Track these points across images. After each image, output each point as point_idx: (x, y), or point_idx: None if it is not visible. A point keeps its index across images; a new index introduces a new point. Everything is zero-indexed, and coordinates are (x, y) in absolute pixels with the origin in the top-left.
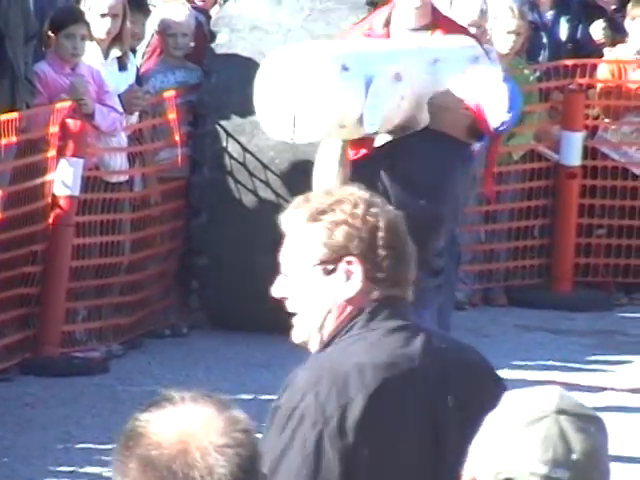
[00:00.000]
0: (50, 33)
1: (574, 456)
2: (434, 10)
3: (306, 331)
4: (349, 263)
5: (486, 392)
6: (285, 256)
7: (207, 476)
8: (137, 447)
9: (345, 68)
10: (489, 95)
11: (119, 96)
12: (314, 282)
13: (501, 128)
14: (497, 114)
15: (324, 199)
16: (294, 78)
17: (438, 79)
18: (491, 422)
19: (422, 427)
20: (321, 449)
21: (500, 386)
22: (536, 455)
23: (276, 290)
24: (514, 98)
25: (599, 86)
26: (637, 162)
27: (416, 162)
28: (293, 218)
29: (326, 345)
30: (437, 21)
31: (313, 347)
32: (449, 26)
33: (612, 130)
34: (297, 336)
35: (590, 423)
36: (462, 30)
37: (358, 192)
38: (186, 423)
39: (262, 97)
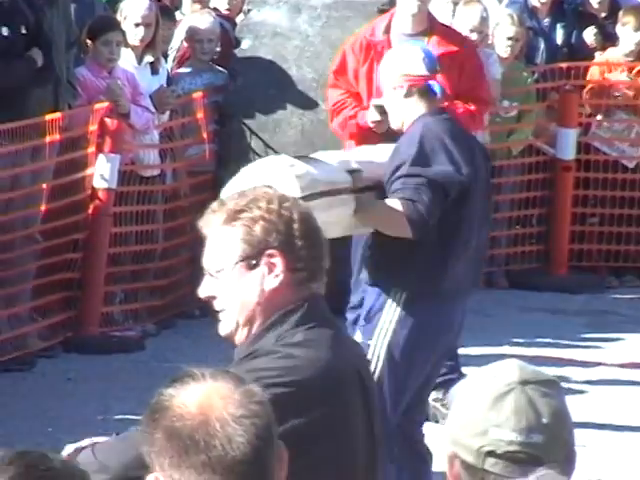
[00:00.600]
0: (88, 40)
1: (544, 420)
2: (430, 17)
3: (233, 325)
4: (270, 256)
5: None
6: (208, 258)
7: (227, 444)
8: (162, 419)
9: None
10: (395, 61)
11: (150, 96)
12: (239, 278)
13: (427, 65)
14: (412, 64)
15: (239, 200)
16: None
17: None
18: (462, 402)
19: (363, 421)
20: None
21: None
22: (511, 425)
23: (202, 291)
24: (412, 44)
25: (590, 86)
26: (628, 156)
27: None
28: (212, 221)
29: (257, 337)
30: (433, 28)
31: (239, 340)
32: (445, 32)
33: (604, 127)
34: (223, 330)
35: (551, 387)
36: (457, 36)
37: (270, 190)
38: (206, 397)
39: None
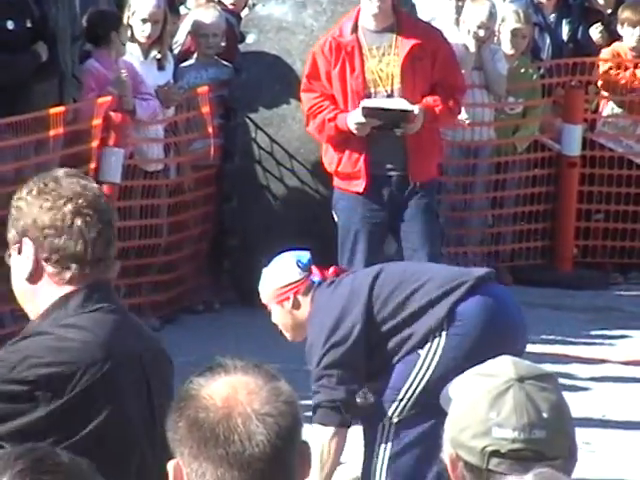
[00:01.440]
0: (112, 32)
1: (545, 414)
2: (396, 12)
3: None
4: (24, 243)
5: (169, 374)
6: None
7: (246, 441)
8: (187, 408)
9: None
10: (275, 278)
11: (156, 92)
12: (14, 262)
13: (303, 267)
14: (288, 274)
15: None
16: None
17: None
18: (460, 403)
19: (142, 406)
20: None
21: (172, 368)
22: (513, 423)
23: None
24: (279, 256)
25: (600, 82)
26: (635, 152)
27: None
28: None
29: (38, 319)
30: (400, 21)
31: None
32: (412, 25)
33: (610, 123)
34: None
35: (547, 381)
36: (425, 26)
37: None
38: (233, 390)
39: None
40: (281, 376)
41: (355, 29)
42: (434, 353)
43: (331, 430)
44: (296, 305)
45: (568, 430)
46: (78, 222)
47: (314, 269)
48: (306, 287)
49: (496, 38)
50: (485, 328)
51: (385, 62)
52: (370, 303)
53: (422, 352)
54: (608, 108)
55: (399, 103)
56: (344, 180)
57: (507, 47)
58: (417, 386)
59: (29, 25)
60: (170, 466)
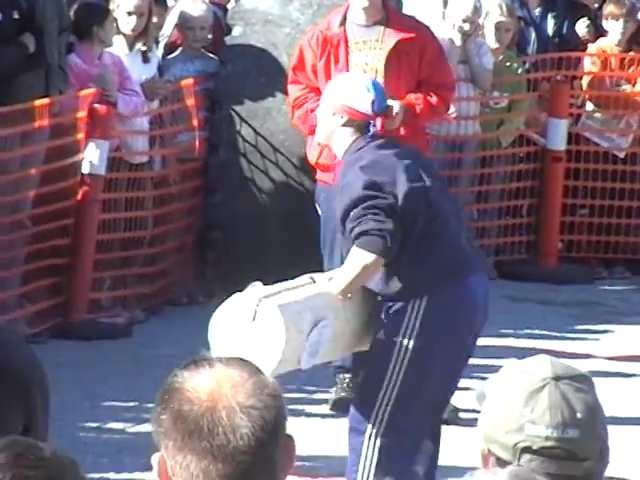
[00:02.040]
0: (94, 25)
1: (579, 415)
2: (385, 6)
3: None
4: None
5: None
6: None
7: (230, 434)
8: (171, 401)
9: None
10: (347, 91)
11: (141, 85)
12: None
13: (375, 108)
14: (362, 100)
15: None
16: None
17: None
18: (495, 399)
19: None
20: None
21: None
22: (547, 421)
23: None
24: (369, 81)
25: (585, 77)
26: (618, 147)
27: None
28: None
29: None
30: (389, 17)
31: None
32: (401, 20)
33: (594, 118)
34: None
35: (583, 382)
36: (414, 23)
37: None
38: (218, 383)
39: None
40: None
41: (343, 22)
42: (412, 328)
43: (372, 257)
44: (346, 125)
45: (601, 432)
46: None
47: (379, 121)
48: (361, 123)
49: (481, 32)
50: (452, 319)
51: (371, 56)
52: (417, 204)
53: (402, 326)
54: (590, 104)
55: None
56: (325, 172)
57: (492, 41)
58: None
59: (16, 16)
60: (154, 459)
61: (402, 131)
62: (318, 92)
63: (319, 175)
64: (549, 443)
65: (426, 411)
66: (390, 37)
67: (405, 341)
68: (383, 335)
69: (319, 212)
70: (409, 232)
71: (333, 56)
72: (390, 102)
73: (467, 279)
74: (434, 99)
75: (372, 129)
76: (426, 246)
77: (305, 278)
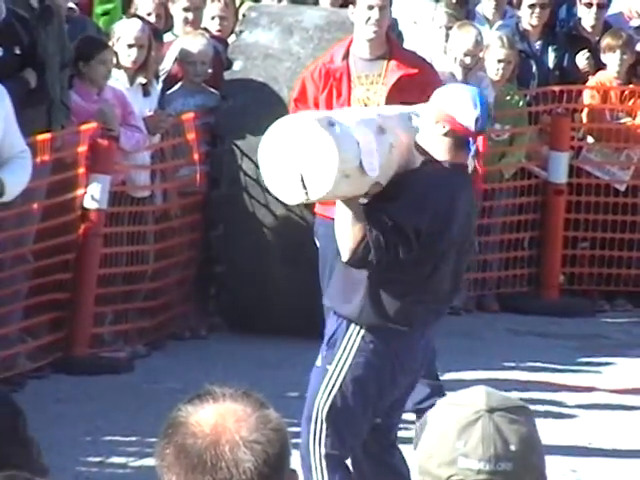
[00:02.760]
0: (80, 62)
1: (513, 447)
2: (389, 41)
3: None
4: None
5: None
6: None
7: (233, 468)
8: (175, 435)
9: (332, 124)
10: (454, 102)
11: (144, 119)
12: None
13: (478, 126)
14: (467, 115)
15: None
16: (291, 146)
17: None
18: (430, 431)
19: None
20: None
21: None
22: (479, 454)
23: None
24: (477, 97)
25: (586, 110)
26: (619, 179)
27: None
28: None
29: None
30: (392, 51)
31: None
32: (403, 56)
33: (595, 150)
34: None
35: (519, 413)
36: (416, 58)
37: None
38: (222, 418)
39: (269, 171)
40: (269, 404)
41: (346, 56)
42: (345, 359)
43: (353, 240)
44: (444, 134)
45: (537, 464)
46: None
47: (479, 142)
48: (461, 137)
49: (482, 65)
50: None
51: (372, 91)
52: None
53: (339, 347)
54: (590, 137)
55: None
56: (323, 205)
57: (492, 74)
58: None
59: (18, 52)
60: None
61: None
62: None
63: (318, 208)
64: (481, 477)
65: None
66: (392, 72)
67: (343, 359)
68: (329, 342)
69: (317, 245)
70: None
71: (335, 89)
72: None
73: (407, 333)
74: None
75: (472, 147)
76: (397, 282)
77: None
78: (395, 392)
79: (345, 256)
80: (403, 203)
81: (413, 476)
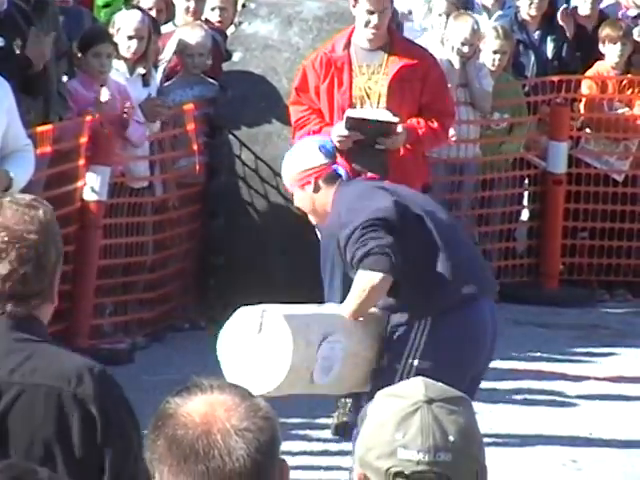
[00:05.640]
0: (79, 53)
1: (451, 438)
2: (391, 32)
3: None
4: None
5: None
6: None
7: (226, 456)
8: (165, 427)
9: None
10: (295, 160)
11: (140, 106)
12: None
13: (326, 152)
14: (312, 155)
15: None
16: (252, 335)
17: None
18: (369, 423)
19: None
20: None
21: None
22: (418, 445)
23: None
24: (304, 140)
25: (584, 100)
26: (617, 170)
27: None
28: None
29: None
30: (393, 42)
31: None
32: (405, 46)
33: (594, 141)
34: None
35: (457, 404)
36: (418, 49)
37: None
38: (211, 408)
39: (229, 363)
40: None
41: (347, 46)
42: (417, 348)
43: (379, 276)
44: (317, 189)
45: (476, 455)
46: None
47: (339, 160)
48: (328, 174)
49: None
50: (461, 342)
51: (374, 80)
52: (414, 221)
53: (407, 347)
54: (588, 128)
55: (382, 114)
56: None
57: (489, 64)
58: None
59: (19, 42)
60: None
61: (401, 151)
62: (320, 114)
63: None
64: (421, 467)
65: None
66: (394, 63)
67: (409, 361)
68: (389, 354)
69: (319, 237)
70: (409, 251)
71: (337, 79)
72: (393, 118)
73: (473, 304)
74: (435, 124)
75: (342, 173)
76: (433, 269)
77: (312, 305)
78: (473, 370)
79: (388, 282)
80: (360, 215)
81: (354, 469)
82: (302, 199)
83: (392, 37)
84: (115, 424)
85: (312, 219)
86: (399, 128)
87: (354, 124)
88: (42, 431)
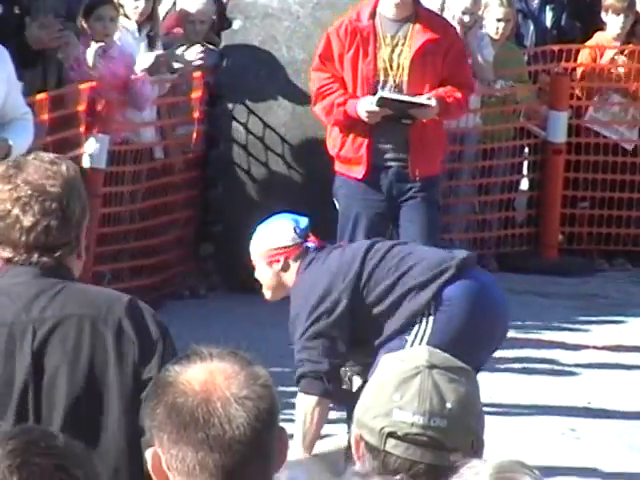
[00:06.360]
0: (82, 20)
1: (448, 405)
2: (416, 3)
3: None
4: None
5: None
6: None
7: (226, 424)
8: (165, 395)
9: None
10: (267, 238)
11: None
12: None
13: (301, 233)
14: (285, 235)
15: None
16: None
17: None
18: (370, 384)
19: (25, 373)
20: None
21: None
22: (413, 408)
23: None
24: (280, 216)
25: (581, 69)
26: (628, 139)
27: None
28: None
29: None
30: (418, 13)
31: None
32: (429, 18)
33: (602, 110)
34: None
35: (460, 374)
36: (441, 21)
37: None
38: (211, 376)
39: None
40: (259, 362)
41: (373, 15)
42: (421, 337)
43: (314, 399)
44: (285, 268)
45: (472, 425)
46: (16, 210)
47: (311, 236)
48: (298, 253)
49: (481, 24)
50: (470, 312)
51: (397, 52)
52: (358, 281)
53: (409, 337)
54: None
55: (416, 97)
56: (345, 164)
57: (492, 32)
58: None
59: (17, 11)
60: (148, 454)
61: (423, 123)
62: (343, 82)
63: (338, 167)
64: (414, 430)
65: None
66: (418, 35)
67: (418, 337)
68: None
69: (337, 206)
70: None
71: (362, 49)
72: (429, 101)
73: (459, 282)
74: (459, 95)
75: (311, 247)
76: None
77: None
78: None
79: (324, 402)
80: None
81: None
82: (265, 274)
83: (417, 8)
84: (149, 343)
85: (266, 293)
86: (433, 102)
87: (386, 103)
88: (80, 359)
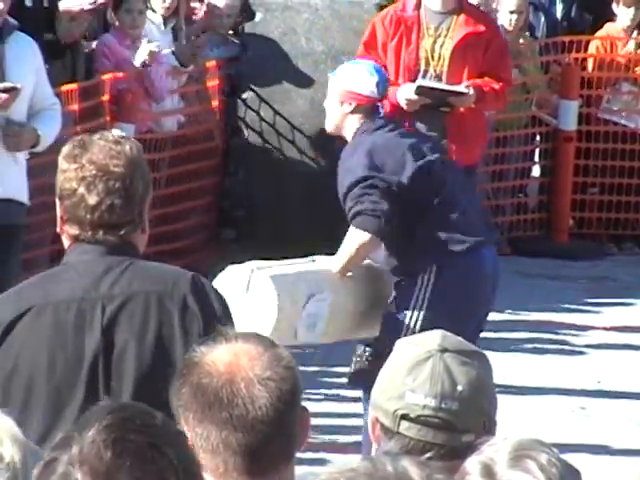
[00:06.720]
0: (112, 12)
1: (460, 387)
2: None
3: None
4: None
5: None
6: None
7: (249, 404)
8: (190, 375)
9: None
10: (352, 78)
11: (174, 53)
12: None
13: (380, 91)
14: (367, 85)
15: None
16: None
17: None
18: (385, 368)
19: (91, 348)
20: None
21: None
22: (425, 390)
23: None
24: (371, 67)
25: (590, 60)
26: None
27: None
28: None
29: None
30: (462, 6)
31: None
32: (472, 12)
33: (614, 99)
34: None
35: (472, 357)
36: (484, 16)
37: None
38: (235, 357)
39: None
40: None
41: (418, 6)
42: (423, 297)
43: (368, 236)
44: (353, 112)
45: (484, 407)
46: (81, 189)
47: (385, 103)
48: (370, 106)
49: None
50: (461, 297)
51: (439, 43)
52: (426, 178)
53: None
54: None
55: (454, 86)
56: None
57: (506, 24)
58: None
59: (46, 5)
60: None
61: (462, 111)
62: (385, 70)
63: None
64: (426, 412)
65: None
66: (461, 28)
67: (415, 313)
68: (393, 309)
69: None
70: (417, 209)
71: (405, 38)
72: (466, 89)
73: (475, 253)
74: (497, 86)
75: (381, 111)
76: (434, 222)
77: (306, 259)
78: (475, 319)
79: (375, 242)
80: (367, 172)
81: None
82: (333, 109)
83: (461, 2)
84: (212, 318)
85: (327, 125)
86: (471, 90)
87: (425, 92)
88: (147, 334)
